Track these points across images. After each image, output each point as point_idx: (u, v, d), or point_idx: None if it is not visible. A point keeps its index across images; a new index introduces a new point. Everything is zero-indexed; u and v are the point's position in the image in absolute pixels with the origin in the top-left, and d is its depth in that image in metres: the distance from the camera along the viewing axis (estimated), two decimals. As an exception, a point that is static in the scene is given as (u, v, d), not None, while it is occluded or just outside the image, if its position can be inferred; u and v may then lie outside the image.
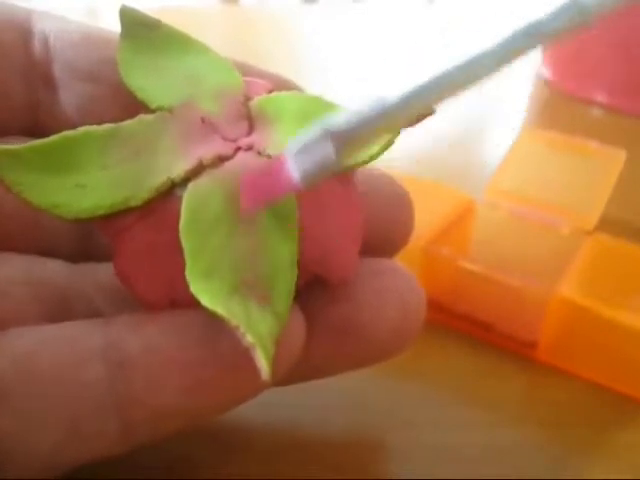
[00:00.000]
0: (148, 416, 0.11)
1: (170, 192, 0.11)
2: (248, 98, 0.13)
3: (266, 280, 0.11)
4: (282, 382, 0.12)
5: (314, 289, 0.12)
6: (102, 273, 0.14)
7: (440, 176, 0.22)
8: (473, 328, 0.19)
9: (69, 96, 0.14)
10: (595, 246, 0.19)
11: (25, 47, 0.14)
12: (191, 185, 0.11)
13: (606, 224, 0.20)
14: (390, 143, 0.12)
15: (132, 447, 0.11)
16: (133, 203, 0.11)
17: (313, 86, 0.15)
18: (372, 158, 0.12)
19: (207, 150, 0.12)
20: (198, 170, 0.11)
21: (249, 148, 0.12)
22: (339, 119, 0.10)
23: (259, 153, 0.12)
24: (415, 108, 0.10)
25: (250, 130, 0.13)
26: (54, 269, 0.13)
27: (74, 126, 0.14)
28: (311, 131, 0.10)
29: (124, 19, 0.14)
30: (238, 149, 0.12)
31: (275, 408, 0.16)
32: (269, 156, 0.12)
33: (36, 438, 0.10)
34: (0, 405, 0.10)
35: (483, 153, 0.30)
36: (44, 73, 0.14)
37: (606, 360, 0.17)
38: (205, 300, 0.10)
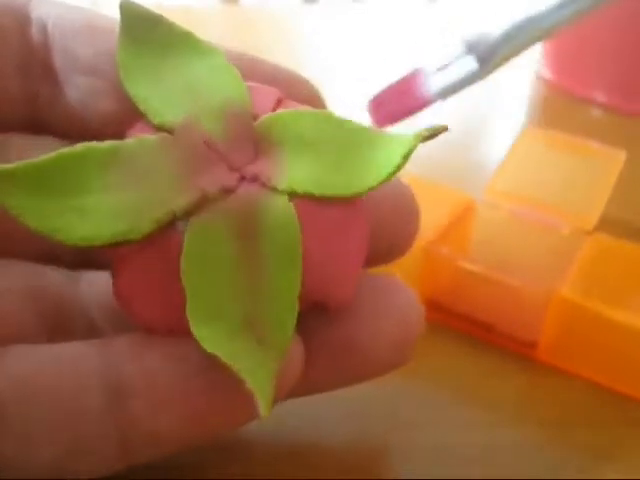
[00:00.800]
0: (147, 440, 0.11)
1: (172, 224, 0.11)
2: (254, 116, 0.12)
3: (268, 316, 0.11)
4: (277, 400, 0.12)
5: (310, 309, 0.12)
6: (101, 284, 0.14)
7: (440, 176, 0.22)
8: (473, 328, 0.19)
9: (70, 89, 0.13)
10: (595, 246, 0.19)
11: (22, 35, 0.13)
12: (193, 220, 0.11)
13: (606, 224, 0.20)
14: (399, 168, 0.12)
15: (131, 466, 0.11)
16: (133, 236, 0.11)
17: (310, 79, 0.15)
18: (380, 184, 0.12)
19: (211, 181, 0.11)
20: (201, 203, 0.11)
21: (254, 179, 0.12)
22: (478, 36, 0.10)
23: (263, 184, 0.12)
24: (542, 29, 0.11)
25: (255, 154, 0.12)
26: (53, 280, 0.13)
27: (75, 121, 0.13)
28: (451, 49, 0.10)
29: (124, 14, 0.13)
30: (242, 179, 0.12)
31: (276, 409, 0.16)
32: (274, 189, 0.11)
33: (34, 460, 0.10)
34: None
35: (483, 153, 0.30)
36: (43, 63, 0.13)
37: (606, 360, 0.17)
38: (206, 345, 0.10)
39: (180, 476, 0.14)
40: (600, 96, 0.34)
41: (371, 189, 0.12)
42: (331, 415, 0.16)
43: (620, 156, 0.21)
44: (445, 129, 0.12)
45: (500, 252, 0.20)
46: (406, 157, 0.12)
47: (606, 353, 0.17)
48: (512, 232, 0.21)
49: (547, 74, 0.37)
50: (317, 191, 0.11)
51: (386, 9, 0.47)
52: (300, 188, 0.11)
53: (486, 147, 0.31)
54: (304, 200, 0.11)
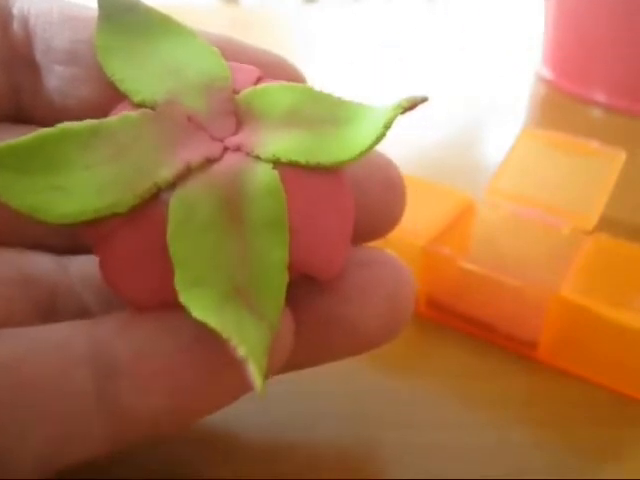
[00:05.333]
0: (137, 420, 0.11)
1: (156, 196, 0.11)
2: (235, 91, 0.13)
3: (257, 285, 0.11)
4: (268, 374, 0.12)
5: (300, 281, 0.12)
6: (90, 267, 0.14)
7: (440, 176, 0.22)
8: (473, 328, 0.19)
9: (50, 79, 0.13)
10: (595, 246, 0.19)
11: (5, 31, 0.13)
12: (178, 191, 0.11)
13: (606, 224, 0.20)
14: (381, 138, 0.12)
15: (120, 448, 0.11)
16: (118, 210, 0.11)
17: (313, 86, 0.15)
18: (362, 154, 0.12)
19: (194, 152, 0.11)
20: (185, 174, 0.11)
21: (237, 149, 0.12)
22: None
23: (247, 154, 0.12)
24: None
25: (237, 127, 0.12)
26: (43, 265, 0.13)
27: (57, 110, 0.14)
28: None
29: (102, 1, 0.13)
30: (226, 149, 0.12)
31: (272, 408, 0.16)
32: (257, 157, 0.11)
33: (23, 445, 0.10)
34: None
35: (483, 153, 0.30)
36: (25, 56, 0.13)
37: (606, 360, 0.17)
38: (195, 312, 0.10)
39: (175, 475, 0.14)
40: (600, 96, 0.34)
41: (354, 159, 0.12)
42: (329, 414, 0.16)
43: (620, 156, 0.21)
44: (425, 100, 0.11)
45: (500, 252, 0.20)
46: (387, 127, 0.12)
47: (606, 353, 0.17)
48: (512, 232, 0.21)
49: (547, 74, 0.37)
50: (302, 159, 0.11)
51: (386, 9, 0.47)
52: (284, 157, 0.11)
53: (486, 147, 0.31)
54: (288, 168, 0.11)
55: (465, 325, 0.19)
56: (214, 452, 0.15)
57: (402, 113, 0.12)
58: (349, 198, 0.12)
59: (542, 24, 0.37)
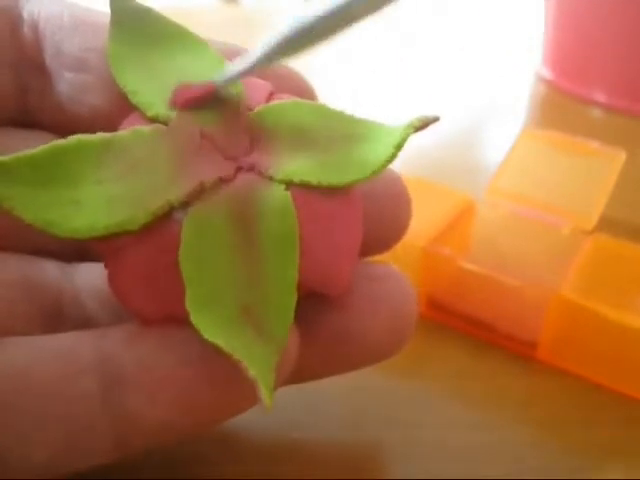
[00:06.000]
0: (142, 431, 0.11)
1: (169, 215, 0.11)
2: (248, 108, 0.12)
3: (267, 305, 0.11)
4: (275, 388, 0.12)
5: (307, 296, 0.12)
6: (96, 276, 0.14)
7: (440, 176, 0.22)
8: (473, 328, 0.19)
9: (59, 84, 0.13)
10: (595, 246, 0.19)
11: (14, 34, 0.13)
12: (191, 210, 0.11)
13: (606, 224, 0.20)
14: (392, 158, 0.12)
15: (126, 456, 0.11)
16: (130, 227, 0.11)
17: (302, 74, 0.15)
18: (373, 174, 0.12)
19: (208, 171, 0.11)
20: (198, 193, 0.11)
21: (250, 168, 0.12)
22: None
23: (260, 174, 0.12)
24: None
25: (251, 145, 0.12)
26: (49, 272, 0.13)
27: (65, 115, 0.13)
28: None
29: (114, 8, 0.13)
30: (239, 169, 0.12)
31: (275, 408, 0.16)
32: (270, 178, 0.11)
33: (29, 452, 0.10)
34: None
35: (483, 153, 0.30)
36: (34, 60, 0.13)
37: (606, 360, 0.17)
38: (206, 333, 0.10)
39: (175, 475, 0.14)
40: (600, 96, 0.34)
41: (365, 179, 0.12)
42: (330, 415, 0.16)
43: (620, 156, 0.21)
44: (436, 119, 0.12)
45: (500, 252, 0.20)
46: (399, 147, 0.12)
47: (606, 353, 0.17)
48: (512, 232, 0.21)
49: (547, 74, 0.37)
50: (314, 180, 0.11)
51: (386, 9, 0.47)
52: (297, 177, 0.11)
53: (486, 147, 0.31)
54: (301, 189, 0.11)
55: (465, 325, 0.19)
56: (214, 452, 0.15)
57: (414, 132, 0.12)
58: (358, 216, 0.12)
59: (542, 24, 0.37)
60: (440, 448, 0.15)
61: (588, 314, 0.17)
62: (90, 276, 0.14)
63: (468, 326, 0.19)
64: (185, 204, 0.11)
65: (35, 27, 0.13)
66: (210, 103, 0.12)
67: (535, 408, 0.17)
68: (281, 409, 0.16)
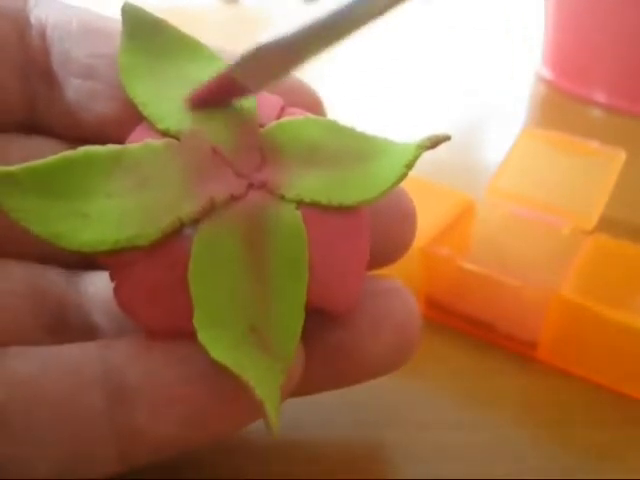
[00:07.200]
0: (147, 445, 0.11)
1: (179, 231, 0.11)
2: (260, 124, 0.12)
3: (274, 324, 0.11)
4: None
5: (312, 312, 0.12)
6: (102, 285, 0.14)
7: (440, 176, 0.22)
8: (473, 328, 0.19)
9: (67, 91, 0.13)
10: (595, 246, 0.19)
11: (22, 39, 0.13)
12: (201, 227, 0.11)
13: (606, 224, 0.20)
14: (402, 177, 0.12)
15: (131, 469, 0.11)
16: (139, 242, 0.10)
17: (312, 86, 0.15)
18: (383, 194, 0.12)
19: (219, 188, 0.11)
20: (209, 210, 0.11)
21: (261, 186, 0.12)
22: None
23: (271, 192, 0.11)
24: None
25: (262, 162, 0.12)
26: (53, 280, 0.13)
27: (73, 122, 0.13)
28: None
29: (127, 18, 0.13)
30: (250, 186, 0.12)
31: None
32: (282, 197, 0.11)
33: (35, 464, 0.10)
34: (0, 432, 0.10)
35: (483, 153, 0.30)
36: (42, 66, 0.13)
37: (606, 360, 0.17)
38: (213, 353, 0.10)
39: (176, 475, 0.14)
40: (600, 96, 0.34)
41: (375, 199, 0.12)
42: (330, 414, 0.16)
43: (620, 156, 0.21)
44: (448, 138, 0.12)
45: (500, 252, 0.20)
46: (409, 167, 0.12)
47: (606, 353, 0.17)
48: (512, 232, 0.21)
49: (547, 74, 0.37)
50: (324, 200, 0.11)
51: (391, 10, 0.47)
52: (307, 197, 0.11)
53: (486, 147, 0.31)
54: (311, 209, 0.11)
55: (465, 325, 0.19)
56: (214, 452, 0.15)
57: (425, 151, 0.12)
58: (366, 234, 0.12)
59: (542, 24, 0.37)
60: (440, 448, 0.15)
61: (588, 314, 0.17)
62: (95, 285, 0.14)
63: (468, 326, 0.19)
64: (195, 221, 0.11)
65: (43, 32, 0.13)
66: (225, 111, 0.12)
67: (534, 408, 0.17)
68: (281, 408, 0.16)
